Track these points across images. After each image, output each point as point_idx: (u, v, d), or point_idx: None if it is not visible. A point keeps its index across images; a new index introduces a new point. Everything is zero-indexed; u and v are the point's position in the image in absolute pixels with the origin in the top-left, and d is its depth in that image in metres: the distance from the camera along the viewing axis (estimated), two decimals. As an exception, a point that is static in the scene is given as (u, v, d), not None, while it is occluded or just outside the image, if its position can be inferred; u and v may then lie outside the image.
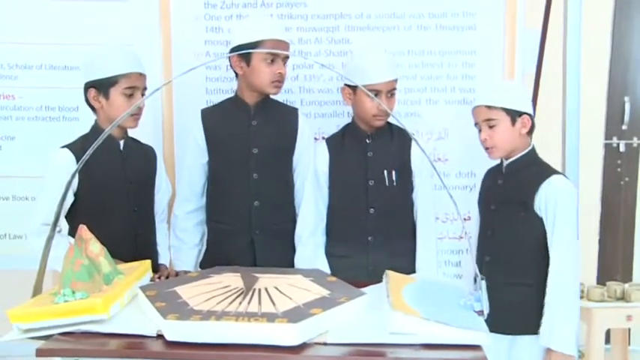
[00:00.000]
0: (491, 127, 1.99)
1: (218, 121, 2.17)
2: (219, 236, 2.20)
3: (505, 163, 2.06)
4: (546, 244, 1.94)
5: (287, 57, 2.10)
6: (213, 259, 2.07)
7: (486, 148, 2.03)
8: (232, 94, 2.22)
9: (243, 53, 1.99)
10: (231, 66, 2.14)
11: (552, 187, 1.94)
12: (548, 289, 1.91)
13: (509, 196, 2.03)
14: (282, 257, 2.11)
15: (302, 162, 2.21)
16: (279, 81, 2.09)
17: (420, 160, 2.14)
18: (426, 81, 2.51)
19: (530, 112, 2.02)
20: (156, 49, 2.48)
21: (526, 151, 2.03)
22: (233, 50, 2.06)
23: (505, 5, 2.45)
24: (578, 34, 2.42)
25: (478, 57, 2.49)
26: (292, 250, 2.18)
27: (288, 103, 2.40)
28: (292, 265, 2.14)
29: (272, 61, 2.05)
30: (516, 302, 1.96)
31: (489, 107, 1.99)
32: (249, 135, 2.13)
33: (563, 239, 1.91)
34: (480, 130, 2.04)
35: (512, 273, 1.99)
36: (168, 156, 2.49)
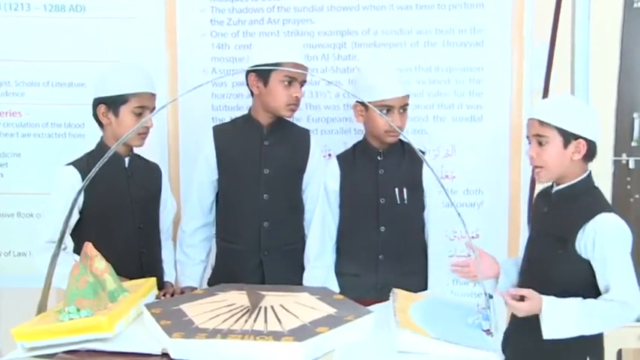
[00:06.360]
0: (540, 144, 1.80)
1: (230, 139, 2.16)
2: (228, 255, 2.18)
3: (555, 188, 1.86)
4: (591, 287, 1.73)
5: (304, 81, 2.10)
6: (221, 278, 2.05)
7: (534, 168, 1.85)
8: (238, 111, 2.21)
9: (262, 69, 1.98)
10: (247, 84, 2.13)
11: (599, 229, 1.71)
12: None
13: (551, 229, 1.82)
14: (292, 278, 2.07)
15: (312, 183, 2.20)
16: (294, 104, 2.08)
17: (431, 177, 2.12)
18: (434, 98, 2.50)
19: (590, 136, 1.79)
20: (162, 66, 2.48)
21: (580, 178, 1.81)
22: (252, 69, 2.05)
23: (512, 21, 2.44)
24: (586, 50, 2.42)
25: (485, 73, 2.48)
26: (302, 271, 2.16)
27: (295, 120, 2.40)
28: None
29: (289, 83, 2.05)
30: (552, 346, 1.70)
31: (542, 123, 1.80)
32: (260, 155, 2.12)
33: (621, 286, 1.69)
34: (529, 144, 1.86)
35: None
36: (173, 173, 2.49)
